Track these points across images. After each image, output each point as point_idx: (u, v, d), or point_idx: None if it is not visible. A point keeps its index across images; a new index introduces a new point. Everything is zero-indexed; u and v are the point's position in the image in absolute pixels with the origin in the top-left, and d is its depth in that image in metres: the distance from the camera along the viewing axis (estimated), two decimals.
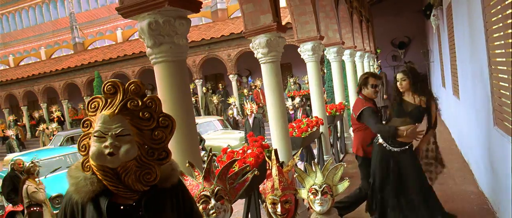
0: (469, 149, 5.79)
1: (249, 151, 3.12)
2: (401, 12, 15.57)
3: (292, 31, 6.05)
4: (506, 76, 3.15)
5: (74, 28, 22.47)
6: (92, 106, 1.44)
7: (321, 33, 5.68)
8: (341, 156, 7.31)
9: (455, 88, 6.90)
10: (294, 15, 5.59)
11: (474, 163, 5.33)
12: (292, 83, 17.07)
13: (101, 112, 1.40)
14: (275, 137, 3.97)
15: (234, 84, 16.82)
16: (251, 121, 10.11)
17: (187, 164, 1.91)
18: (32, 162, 6.11)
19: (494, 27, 3.39)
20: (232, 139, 10.40)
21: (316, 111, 5.76)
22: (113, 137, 1.35)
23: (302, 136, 4.55)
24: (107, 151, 1.34)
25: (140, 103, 1.42)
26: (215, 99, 14.90)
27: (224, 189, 1.80)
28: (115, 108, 1.39)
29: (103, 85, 1.44)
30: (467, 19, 4.62)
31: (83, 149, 1.43)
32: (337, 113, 6.62)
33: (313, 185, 2.42)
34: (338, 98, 7.58)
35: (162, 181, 1.48)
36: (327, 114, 6.32)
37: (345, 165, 2.62)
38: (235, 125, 13.43)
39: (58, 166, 8.29)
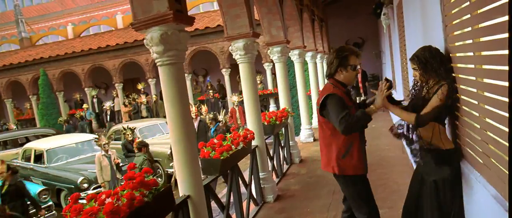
0: None
1: (108, 200, 1.97)
2: (355, 14, 15.04)
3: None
4: (472, 78, 2.20)
5: (20, 22, 20.10)
6: None
7: (255, 29, 4.58)
8: (286, 167, 6.26)
9: (406, 92, 6.07)
10: (223, 7, 4.46)
11: None
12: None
13: None
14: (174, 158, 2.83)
15: (188, 83, 15.51)
16: (196, 124, 9.01)
17: None
18: None
19: (455, 22, 2.44)
20: None
21: (250, 120, 4.68)
22: None
23: (221, 158, 3.44)
24: None
25: None
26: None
27: None
28: None
29: None
30: (420, 14, 3.69)
31: None
32: (277, 122, 5.46)
33: None
34: (283, 104, 6.49)
35: None
36: (265, 123, 5.26)
37: None
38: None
39: None
